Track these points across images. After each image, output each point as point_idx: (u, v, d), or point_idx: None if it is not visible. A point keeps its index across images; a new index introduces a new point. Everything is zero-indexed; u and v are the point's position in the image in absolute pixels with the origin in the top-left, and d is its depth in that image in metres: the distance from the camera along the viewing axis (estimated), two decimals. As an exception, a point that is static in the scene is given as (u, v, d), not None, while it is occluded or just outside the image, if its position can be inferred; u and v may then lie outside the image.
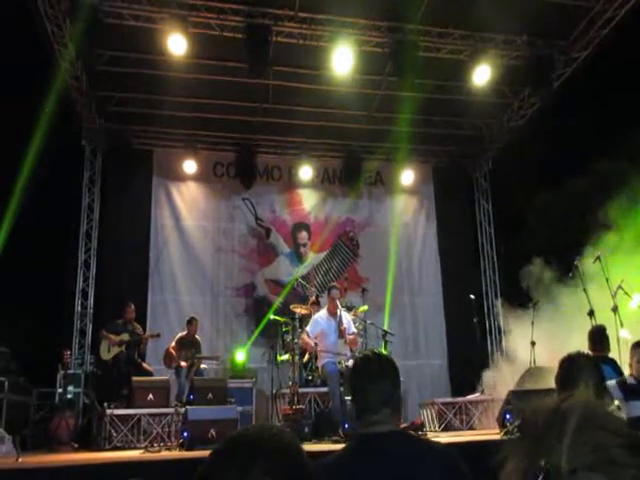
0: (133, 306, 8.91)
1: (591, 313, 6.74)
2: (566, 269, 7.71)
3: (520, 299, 8.79)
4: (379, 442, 1.90)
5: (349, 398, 4.59)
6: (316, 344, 7.08)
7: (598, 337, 5.35)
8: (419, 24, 8.74)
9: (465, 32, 9.03)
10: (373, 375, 2.00)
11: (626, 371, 4.83)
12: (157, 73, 9.51)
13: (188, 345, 8.72)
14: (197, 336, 8.93)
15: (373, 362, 2.08)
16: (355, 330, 7.50)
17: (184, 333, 8.84)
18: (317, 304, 9.07)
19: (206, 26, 8.46)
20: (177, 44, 8.23)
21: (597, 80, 8.66)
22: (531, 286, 8.48)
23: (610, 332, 5.69)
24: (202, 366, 8.69)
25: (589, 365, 2.13)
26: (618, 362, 5.25)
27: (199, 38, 8.56)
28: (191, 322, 8.91)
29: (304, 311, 8.75)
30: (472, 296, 10.07)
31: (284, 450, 1.01)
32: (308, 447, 5.58)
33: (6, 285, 8.03)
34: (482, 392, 8.72)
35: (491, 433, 6.20)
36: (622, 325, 6.64)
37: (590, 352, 5.02)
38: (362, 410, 1.98)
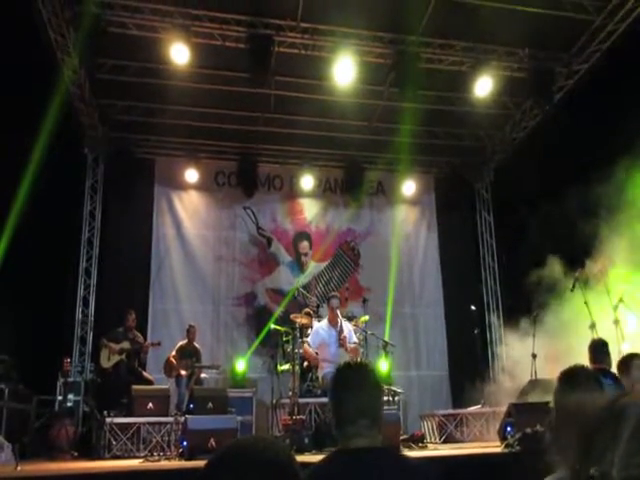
0: (134, 314, 8.91)
1: (593, 326, 6.73)
2: (568, 281, 7.71)
3: (521, 311, 8.78)
4: (357, 458, 1.84)
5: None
6: (317, 353, 7.07)
7: (598, 350, 5.32)
8: (421, 35, 8.79)
9: (467, 44, 9.09)
10: (351, 384, 1.95)
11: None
12: (159, 82, 9.56)
13: (188, 354, 8.73)
14: (197, 345, 8.94)
15: (352, 371, 2.03)
16: (356, 340, 7.49)
17: (184, 342, 8.85)
18: (311, 315, 9.01)
19: (209, 36, 8.50)
20: (180, 53, 8.28)
21: (599, 92, 8.68)
22: (541, 289, 8.44)
23: (612, 345, 5.67)
24: (202, 375, 8.68)
25: (590, 379, 2.12)
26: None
27: (202, 48, 8.60)
28: (189, 330, 8.95)
29: (304, 321, 8.73)
30: (473, 307, 10.07)
31: (278, 462, 1.02)
32: (308, 458, 5.56)
33: (7, 292, 8.02)
34: (483, 404, 8.70)
35: (492, 446, 6.17)
36: (624, 338, 6.64)
37: (590, 365, 5.00)
38: (339, 420, 1.92)
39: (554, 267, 8.50)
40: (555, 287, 8.27)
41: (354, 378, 1.98)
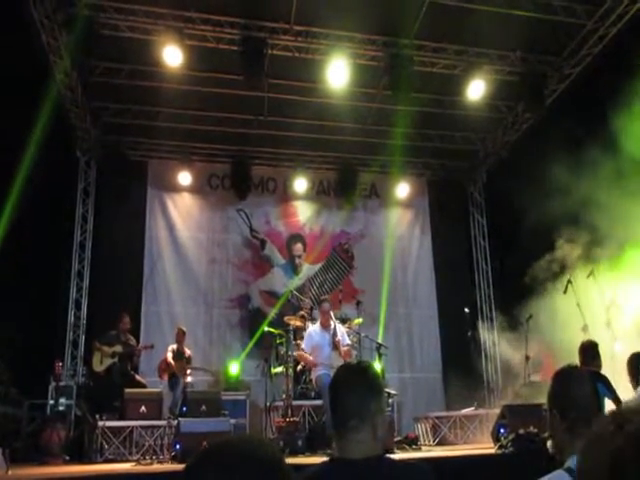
0: (128, 317, 8.88)
1: (585, 328, 6.76)
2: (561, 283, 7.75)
3: (514, 313, 8.80)
4: (346, 471, 1.84)
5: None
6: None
7: (590, 352, 5.34)
8: (414, 39, 8.82)
9: (460, 47, 9.12)
10: (342, 386, 1.95)
11: (619, 389, 4.84)
12: (152, 85, 9.53)
13: (180, 357, 8.70)
14: (186, 348, 8.90)
15: (345, 373, 2.03)
16: (349, 342, 7.49)
17: (175, 346, 8.81)
18: (305, 318, 9.00)
19: (202, 38, 8.49)
20: (173, 56, 8.25)
21: (591, 95, 8.73)
22: (534, 291, 8.47)
23: (604, 346, 5.69)
24: (188, 379, 8.61)
25: (583, 380, 2.13)
26: (611, 377, 5.25)
27: (195, 50, 8.58)
28: (177, 333, 8.93)
29: (298, 323, 8.72)
30: (467, 309, 10.10)
31: (263, 460, 1.02)
32: (301, 460, 5.55)
33: (-2, 295, 7.98)
34: (476, 406, 8.72)
35: (485, 447, 6.19)
36: (616, 339, 6.67)
37: (583, 366, 5.03)
38: (334, 420, 1.93)
39: (547, 270, 8.54)
40: (548, 289, 8.31)
41: (345, 379, 1.98)
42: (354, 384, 1.93)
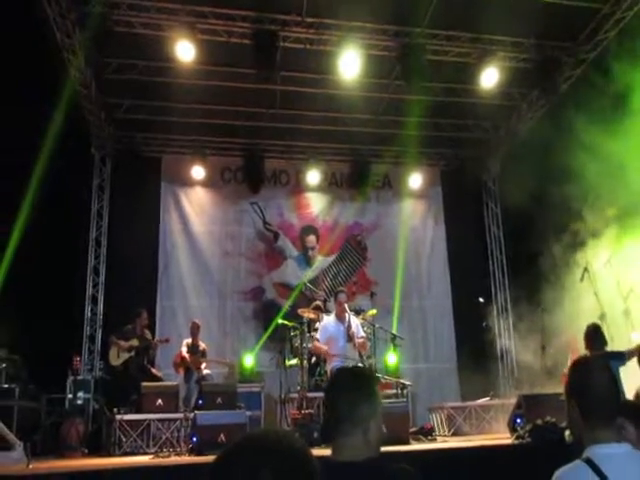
0: (147, 313, 8.95)
1: (602, 317, 6.69)
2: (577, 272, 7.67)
3: (529, 303, 8.74)
4: (335, 467, 1.86)
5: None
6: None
7: (594, 334, 5.35)
8: (426, 27, 8.74)
9: (472, 35, 9.02)
10: (338, 389, 2.01)
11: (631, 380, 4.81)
12: (165, 80, 9.55)
13: (194, 351, 8.76)
14: (201, 342, 8.94)
15: (342, 377, 2.10)
16: (364, 334, 7.48)
17: (189, 340, 8.87)
18: (320, 309, 9.00)
19: (214, 33, 8.50)
20: (185, 51, 8.27)
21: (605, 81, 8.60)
22: (549, 280, 8.39)
23: (622, 335, 5.66)
24: (205, 371, 8.68)
25: (602, 370, 2.10)
26: (626, 367, 5.20)
27: (207, 45, 8.60)
28: (192, 327, 8.97)
29: (312, 315, 8.72)
30: (481, 299, 10.04)
31: (292, 453, 1.01)
32: (317, 452, 5.56)
33: (16, 291, 8.05)
34: (492, 396, 8.68)
35: (502, 438, 6.16)
36: (633, 328, 6.60)
37: (588, 351, 5.07)
38: (329, 422, 1.99)
39: (563, 259, 8.46)
40: (564, 278, 8.23)
41: (338, 384, 2.05)
42: (346, 389, 1.98)
